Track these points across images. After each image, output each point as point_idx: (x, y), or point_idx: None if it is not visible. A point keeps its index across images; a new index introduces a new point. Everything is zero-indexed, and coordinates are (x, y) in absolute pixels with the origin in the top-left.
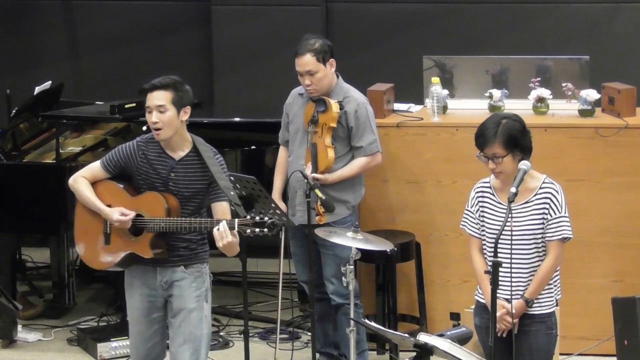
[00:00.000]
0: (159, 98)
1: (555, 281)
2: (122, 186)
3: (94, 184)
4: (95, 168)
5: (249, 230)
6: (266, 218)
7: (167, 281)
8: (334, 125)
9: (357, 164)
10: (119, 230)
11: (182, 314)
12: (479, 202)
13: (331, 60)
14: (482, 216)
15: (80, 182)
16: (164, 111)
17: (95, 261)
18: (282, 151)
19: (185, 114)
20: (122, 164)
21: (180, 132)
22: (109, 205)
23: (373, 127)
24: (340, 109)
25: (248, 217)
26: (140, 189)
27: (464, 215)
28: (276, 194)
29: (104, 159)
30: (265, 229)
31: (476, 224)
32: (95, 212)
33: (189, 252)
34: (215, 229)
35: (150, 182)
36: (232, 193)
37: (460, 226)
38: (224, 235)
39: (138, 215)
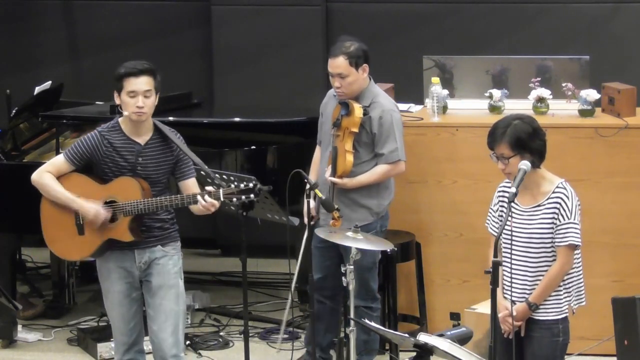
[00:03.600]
0: (145, 83)
1: (569, 288)
2: (87, 176)
3: (59, 177)
4: (59, 162)
5: (234, 199)
6: (251, 184)
7: (146, 262)
8: (355, 130)
9: (377, 170)
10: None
11: (162, 291)
12: (499, 201)
13: (364, 65)
14: (501, 216)
15: (46, 177)
16: (149, 96)
17: (71, 254)
18: (317, 150)
19: (157, 99)
20: (88, 155)
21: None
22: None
23: (397, 134)
24: (365, 114)
25: (232, 185)
26: (105, 177)
27: (488, 214)
28: None
29: (67, 152)
30: (252, 195)
31: (496, 223)
32: (63, 205)
33: (163, 232)
34: (201, 202)
35: (118, 169)
36: (206, 167)
37: (485, 224)
38: (211, 205)
39: (111, 202)
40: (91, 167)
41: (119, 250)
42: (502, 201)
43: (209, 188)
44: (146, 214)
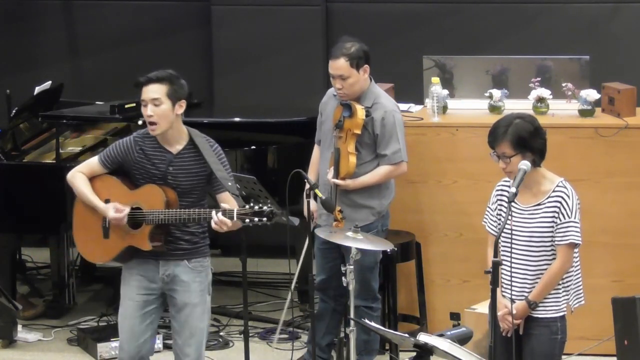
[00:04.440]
0: (154, 91)
1: (567, 286)
2: (120, 180)
3: (92, 178)
4: (93, 163)
5: (247, 220)
6: (265, 207)
7: (169, 274)
8: (358, 132)
9: (380, 172)
10: (117, 224)
11: (188, 309)
12: (497, 200)
13: (365, 66)
14: (499, 215)
15: (77, 177)
16: (158, 104)
17: (94, 255)
18: (315, 150)
19: (181, 108)
20: (120, 160)
21: (176, 126)
22: (107, 200)
23: (399, 135)
24: (367, 115)
25: (247, 206)
26: (137, 182)
27: (485, 213)
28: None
29: (101, 154)
30: (264, 218)
31: (494, 221)
32: (92, 207)
33: (191, 246)
34: (214, 218)
35: (149, 177)
36: (229, 184)
37: (482, 222)
38: (222, 224)
39: (137, 208)
40: (127, 171)
41: (143, 259)
42: (501, 200)
43: (224, 206)
44: (166, 225)
